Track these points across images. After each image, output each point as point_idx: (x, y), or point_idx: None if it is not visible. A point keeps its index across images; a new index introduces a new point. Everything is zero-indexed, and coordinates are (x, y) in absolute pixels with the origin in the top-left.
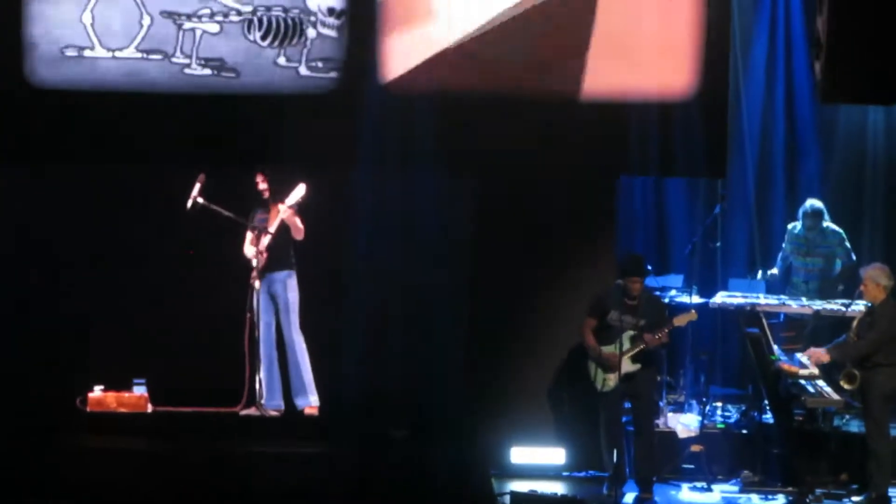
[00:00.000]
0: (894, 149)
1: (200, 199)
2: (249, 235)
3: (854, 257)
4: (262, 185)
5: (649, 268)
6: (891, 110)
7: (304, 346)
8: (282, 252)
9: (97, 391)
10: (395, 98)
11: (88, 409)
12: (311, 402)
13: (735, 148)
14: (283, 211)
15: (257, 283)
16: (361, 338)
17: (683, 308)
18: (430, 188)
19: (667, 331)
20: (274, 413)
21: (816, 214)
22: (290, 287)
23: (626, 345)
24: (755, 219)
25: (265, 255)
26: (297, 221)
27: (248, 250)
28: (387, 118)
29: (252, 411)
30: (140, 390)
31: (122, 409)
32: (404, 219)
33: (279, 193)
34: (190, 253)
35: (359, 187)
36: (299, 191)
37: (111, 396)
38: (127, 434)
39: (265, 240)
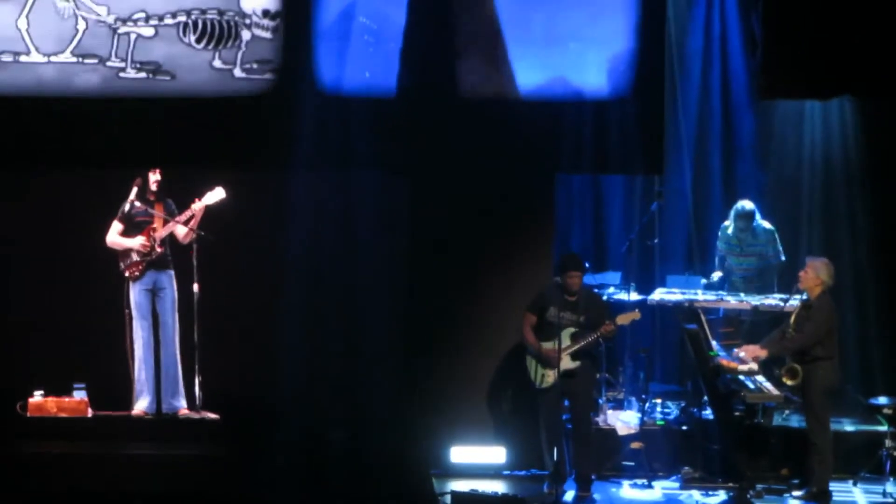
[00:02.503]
0: (831, 145)
1: (137, 203)
2: (119, 227)
3: (783, 257)
4: (155, 180)
5: (587, 265)
6: (827, 106)
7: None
8: (167, 249)
9: (37, 396)
10: (330, 98)
11: (29, 415)
12: (183, 404)
13: (672, 145)
14: (199, 209)
15: (135, 279)
16: (298, 338)
17: (625, 306)
18: (366, 188)
19: (613, 325)
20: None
21: (748, 216)
22: (174, 286)
23: (566, 342)
24: (692, 215)
25: (160, 249)
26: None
27: (134, 242)
28: (322, 119)
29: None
30: (80, 395)
31: (63, 414)
32: (340, 219)
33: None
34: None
35: (294, 188)
36: (218, 193)
37: (51, 401)
38: (68, 438)
39: (162, 233)
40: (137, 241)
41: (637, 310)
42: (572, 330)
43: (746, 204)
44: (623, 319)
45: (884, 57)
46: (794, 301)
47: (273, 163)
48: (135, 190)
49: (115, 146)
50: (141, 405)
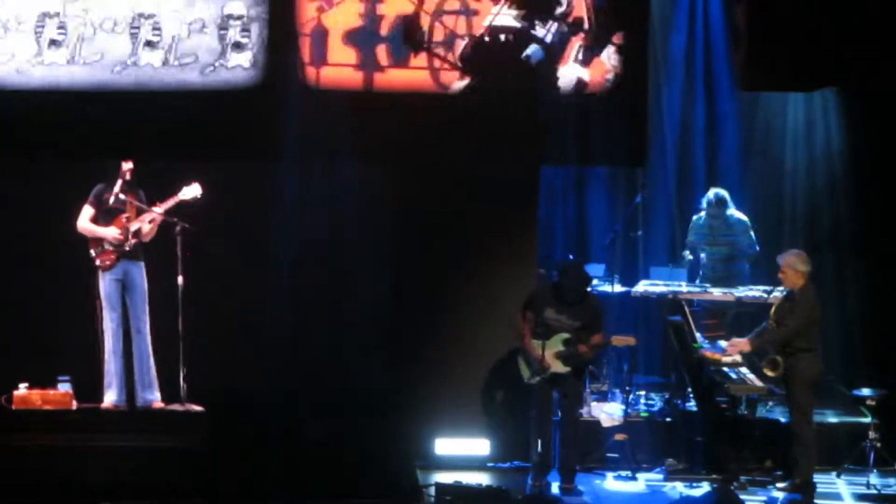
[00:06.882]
0: (814, 137)
1: (122, 195)
2: (90, 211)
3: (757, 248)
4: (128, 168)
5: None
6: (810, 98)
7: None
8: (139, 240)
9: (22, 389)
10: (315, 93)
11: (13, 407)
12: (157, 397)
13: (655, 137)
14: (173, 203)
15: (106, 269)
16: (282, 330)
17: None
18: (350, 182)
19: (602, 343)
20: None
21: (720, 203)
22: (144, 276)
23: (558, 346)
24: (676, 208)
25: (134, 240)
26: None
27: (107, 232)
28: (306, 113)
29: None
30: (65, 387)
31: (48, 406)
32: (325, 211)
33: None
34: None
35: (279, 179)
36: (195, 189)
37: (36, 394)
38: (53, 431)
39: (136, 223)
40: (111, 232)
41: (633, 336)
42: (565, 335)
43: (719, 191)
44: (618, 341)
45: (867, 49)
46: (778, 293)
47: (258, 154)
48: (119, 182)
49: (99, 138)
50: (110, 397)
